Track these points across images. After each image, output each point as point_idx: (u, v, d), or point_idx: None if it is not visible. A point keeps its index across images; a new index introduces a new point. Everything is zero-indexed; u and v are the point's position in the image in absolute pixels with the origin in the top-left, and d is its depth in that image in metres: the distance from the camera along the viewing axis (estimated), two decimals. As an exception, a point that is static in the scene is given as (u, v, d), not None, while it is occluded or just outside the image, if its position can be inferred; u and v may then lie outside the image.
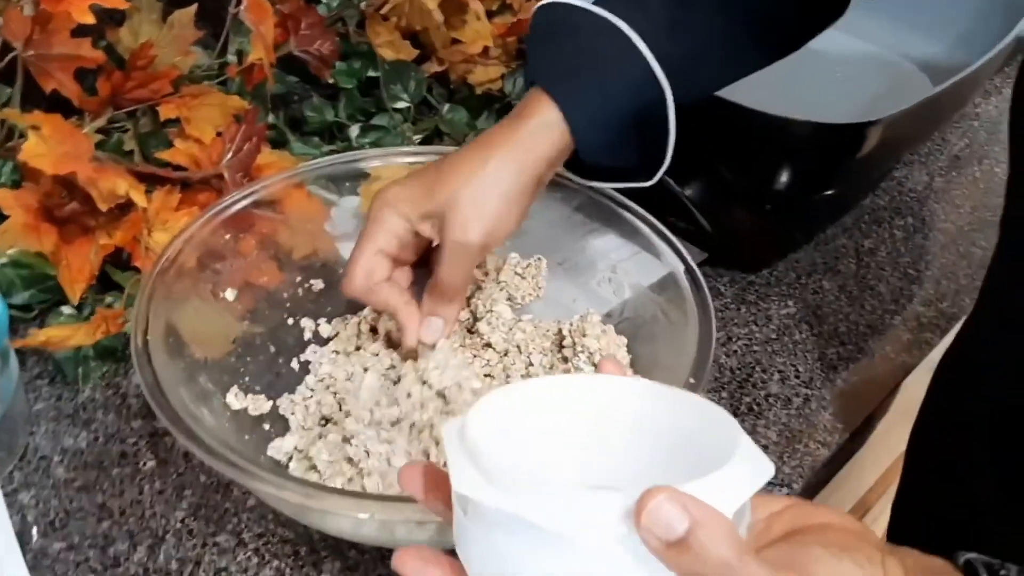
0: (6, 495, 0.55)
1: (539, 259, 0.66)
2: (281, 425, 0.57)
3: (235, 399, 0.55)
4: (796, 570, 0.34)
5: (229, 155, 0.68)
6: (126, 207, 0.65)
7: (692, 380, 0.50)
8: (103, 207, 0.60)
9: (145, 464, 0.57)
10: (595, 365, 0.57)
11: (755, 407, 0.64)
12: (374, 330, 0.62)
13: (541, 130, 0.55)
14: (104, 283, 0.66)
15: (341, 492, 0.43)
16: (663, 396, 0.38)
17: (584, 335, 0.59)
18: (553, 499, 0.30)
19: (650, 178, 0.60)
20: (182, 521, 0.54)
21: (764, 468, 0.33)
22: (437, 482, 0.36)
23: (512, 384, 0.38)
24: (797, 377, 0.67)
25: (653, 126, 0.57)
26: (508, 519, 0.31)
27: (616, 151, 0.58)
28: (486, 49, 0.91)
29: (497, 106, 0.88)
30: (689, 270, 0.59)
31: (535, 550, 0.31)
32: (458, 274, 0.55)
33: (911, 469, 0.69)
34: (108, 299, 0.65)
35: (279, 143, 0.81)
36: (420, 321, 0.56)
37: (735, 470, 0.32)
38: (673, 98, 0.56)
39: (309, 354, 0.62)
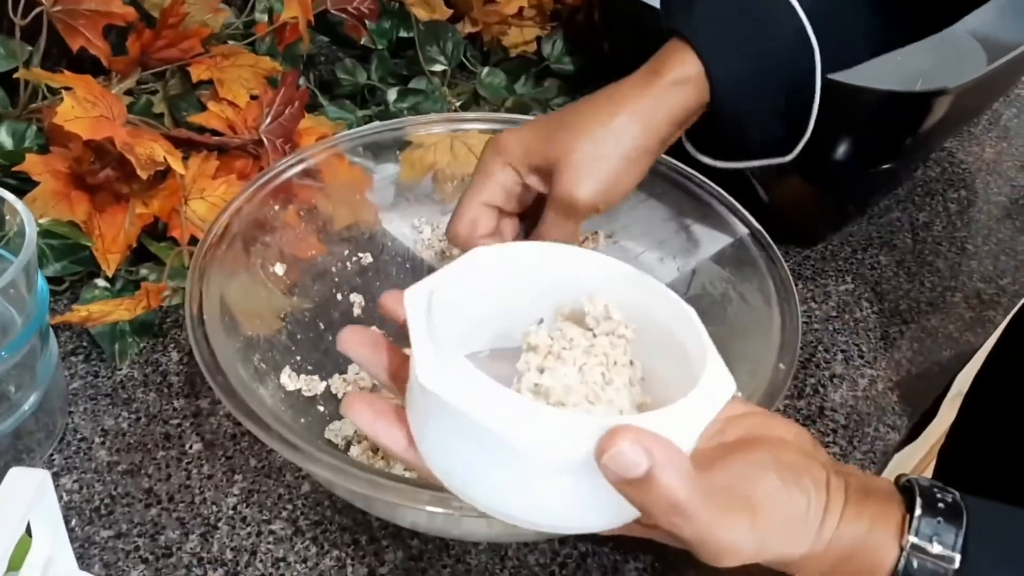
0: (47, 479, 0.52)
1: (595, 232, 0.63)
2: (333, 406, 0.55)
3: (289, 379, 0.53)
4: (745, 508, 0.36)
5: (268, 120, 0.65)
6: (161, 174, 0.62)
7: (782, 366, 0.47)
8: (143, 175, 0.57)
9: (191, 447, 0.54)
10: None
11: (820, 388, 0.62)
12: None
13: (676, 87, 0.50)
14: (137, 254, 0.63)
15: (429, 486, 0.40)
16: (642, 284, 0.38)
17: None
18: (515, 411, 0.30)
19: (788, 152, 0.56)
20: (234, 508, 0.51)
21: (726, 390, 0.35)
22: (379, 349, 0.37)
23: (490, 248, 0.38)
24: (861, 357, 0.64)
25: (797, 90, 0.53)
26: (465, 419, 0.31)
27: (755, 116, 0.53)
28: (520, 10, 0.87)
29: (535, 70, 0.85)
30: (756, 236, 0.56)
31: (488, 453, 0.32)
32: (560, 233, 0.51)
33: (968, 412, 0.67)
34: (143, 271, 0.62)
35: (311, 107, 0.77)
36: None
37: (701, 394, 0.33)
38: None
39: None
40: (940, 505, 0.39)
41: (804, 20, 0.51)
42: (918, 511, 0.38)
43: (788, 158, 0.57)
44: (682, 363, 0.36)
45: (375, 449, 0.51)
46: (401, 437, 0.35)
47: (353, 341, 0.38)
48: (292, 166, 0.57)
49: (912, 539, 0.38)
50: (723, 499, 0.35)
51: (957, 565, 0.38)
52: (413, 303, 0.34)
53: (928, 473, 0.90)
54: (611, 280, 0.38)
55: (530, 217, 0.54)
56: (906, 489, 0.40)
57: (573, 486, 0.32)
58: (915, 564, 0.38)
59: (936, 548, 0.38)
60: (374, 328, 0.39)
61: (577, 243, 0.55)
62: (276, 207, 0.56)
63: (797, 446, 0.40)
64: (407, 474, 0.49)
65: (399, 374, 0.37)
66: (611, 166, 0.49)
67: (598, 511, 0.33)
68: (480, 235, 0.51)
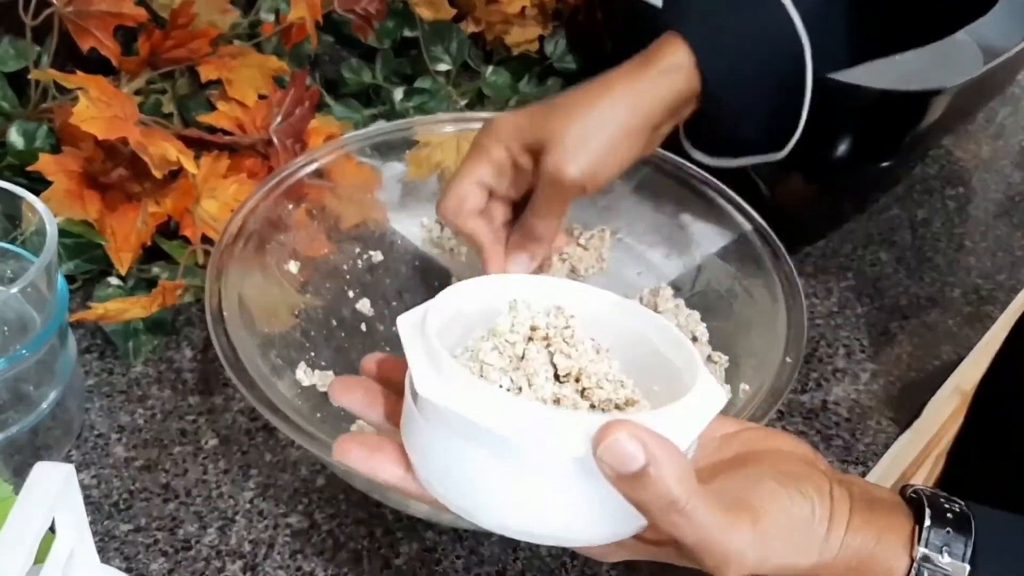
0: (65, 475, 0.53)
1: (603, 230, 0.64)
2: (348, 402, 0.55)
3: (304, 375, 0.54)
4: (746, 510, 0.35)
5: (278, 120, 0.65)
6: (172, 173, 0.62)
7: (789, 359, 0.48)
8: (158, 174, 0.57)
9: (207, 442, 0.55)
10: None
11: (823, 383, 0.63)
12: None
13: (666, 74, 0.52)
14: (148, 252, 0.63)
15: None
16: (630, 311, 0.38)
17: (655, 311, 0.58)
18: (515, 410, 0.31)
19: (779, 149, 0.57)
20: (251, 502, 0.52)
21: (719, 397, 0.35)
22: (372, 393, 0.37)
23: (479, 279, 0.38)
24: (862, 352, 0.66)
25: (787, 86, 0.55)
26: (465, 424, 0.31)
27: (745, 110, 0.55)
28: (523, 9, 0.88)
29: (538, 69, 0.86)
30: (760, 232, 0.58)
31: (489, 458, 0.31)
32: (549, 212, 0.52)
33: (975, 419, 0.68)
34: (155, 269, 0.63)
35: (317, 106, 0.78)
36: (504, 258, 0.53)
37: (694, 400, 0.33)
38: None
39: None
40: (948, 515, 0.39)
41: (796, 18, 0.53)
42: (927, 522, 0.38)
43: (779, 155, 0.58)
44: (673, 380, 0.36)
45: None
46: (398, 466, 0.35)
47: (344, 390, 0.38)
48: (304, 166, 0.58)
49: (923, 550, 0.38)
50: (724, 502, 0.35)
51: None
52: (406, 326, 0.34)
53: (926, 468, 0.91)
54: (596, 307, 0.38)
55: (521, 207, 0.54)
56: (912, 500, 0.39)
57: (574, 490, 0.32)
58: (925, 575, 0.38)
59: (945, 559, 0.38)
60: (362, 376, 0.38)
61: (562, 226, 0.54)
62: (289, 206, 0.57)
63: (797, 456, 0.39)
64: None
65: (394, 414, 0.36)
66: (598, 145, 0.50)
67: (601, 518, 0.33)
68: (468, 211, 0.52)
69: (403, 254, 0.63)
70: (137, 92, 0.70)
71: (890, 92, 0.66)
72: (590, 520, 0.33)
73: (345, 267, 0.60)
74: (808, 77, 0.54)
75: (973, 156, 0.86)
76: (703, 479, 0.36)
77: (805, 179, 0.72)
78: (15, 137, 0.65)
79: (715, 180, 0.61)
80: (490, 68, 0.83)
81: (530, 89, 0.84)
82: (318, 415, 0.52)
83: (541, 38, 0.87)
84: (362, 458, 0.35)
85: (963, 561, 0.38)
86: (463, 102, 0.80)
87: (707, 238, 0.62)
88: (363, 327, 0.60)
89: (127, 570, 0.48)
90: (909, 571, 0.38)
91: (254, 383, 0.45)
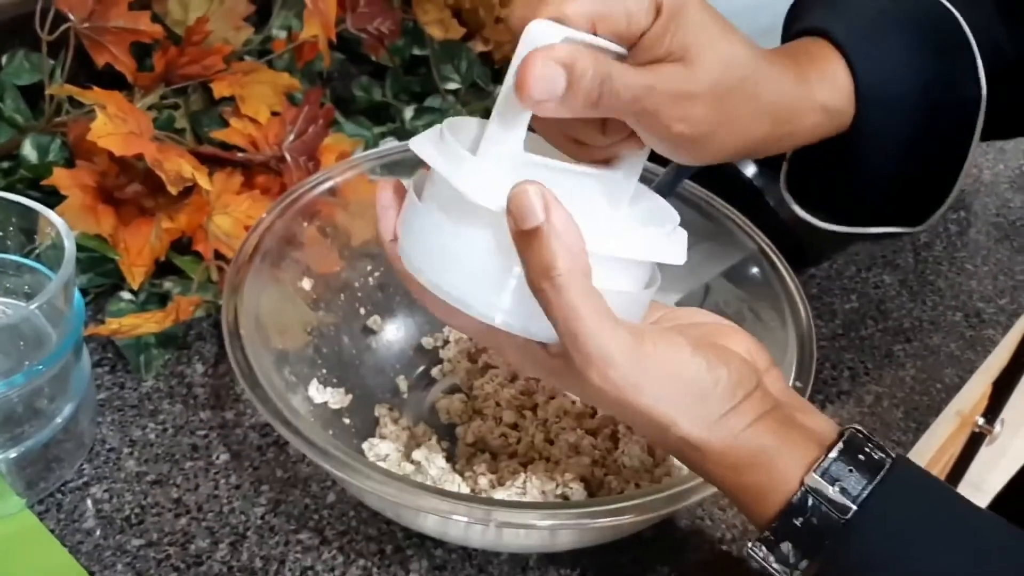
0: (77, 489, 0.53)
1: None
2: (359, 419, 0.56)
3: (316, 392, 0.54)
4: (634, 331, 0.35)
5: (291, 137, 0.66)
6: (186, 189, 0.63)
7: (799, 384, 0.49)
8: (173, 190, 0.58)
9: (218, 457, 0.55)
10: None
11: (828, 404, 0.64)
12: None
13: (823, 84, 0.43)
14: (159, 267, 0.64)
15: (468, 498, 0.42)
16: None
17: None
18: (467, 165, 0.36)
19: (920, 221, 0.47)
20: (262, 518, 0.52)
21: (673, 254, 0.38)
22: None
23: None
24: (867, 374, 0.66)
25: (949, 140, 0.45)
26: (436, 185, 0.37)
27: (901, 152, 0.45)
28: (531, 29, 0.89)
29: (545, 89, 0.87)
30: (767, 254, 0.58)
31: (447, 208, 0.36)
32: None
33: None
34: (166, 284, 0.63)
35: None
36: None
37: (642, 236, 0.37)
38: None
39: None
40: (861, 456, 0.36)
41: (978, 58, 0.43)
42: (833, 452, 0.36)
43: (919, 228, 0.49)
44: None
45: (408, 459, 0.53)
46: (391, 229, 0.40)
47: (384, 185, 0.41)
48: (318, 184, 0.59)
49: (815, 475, 0.36)
50: (612, 316, 0.34)
51: (850, 516, 0.35)
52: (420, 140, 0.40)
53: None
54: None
55: None
56: (845, 436, 0.37)
57: (494, 257, 0.36)
58: (809, 502, 0.36)
59: (834, 492, 0.35)
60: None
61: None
62: (304, 224, 0.57)
63: (739, 353, 0.38)
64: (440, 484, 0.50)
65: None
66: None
67: (520, 304, 0.36)
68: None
69: (413, 272, 0.63)
70: (150, 108, 0.70)
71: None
72: (511, 304, 0.36)
73: (356, 284, 0.61)
74: (975, 138, 0.45)
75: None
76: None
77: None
78: (29, 150, 0.65)
79: (722, 201, 0.62)
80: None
81: (538, 108, 0.85)
82: (330, 432, 0.53)
83: (549, 58, 0.88)
84: (386, 199, 0.40)
85: (853, 501, 0.36)
86: (472, 121, 0.80)
87: (715, 259, 0.63)
88: (373, 343, 0.60)
89: (139, 585, 0.49)
90: (795, 493, 0.36)
91: (269, 399, 0.45)
